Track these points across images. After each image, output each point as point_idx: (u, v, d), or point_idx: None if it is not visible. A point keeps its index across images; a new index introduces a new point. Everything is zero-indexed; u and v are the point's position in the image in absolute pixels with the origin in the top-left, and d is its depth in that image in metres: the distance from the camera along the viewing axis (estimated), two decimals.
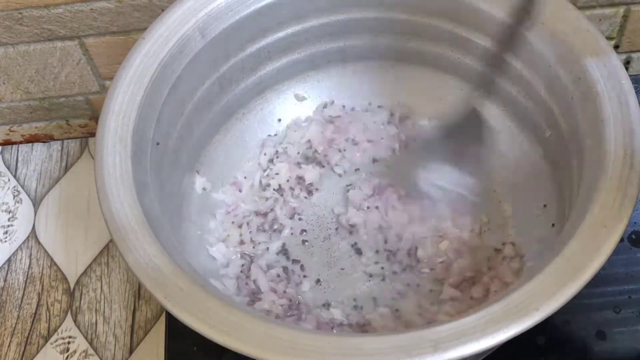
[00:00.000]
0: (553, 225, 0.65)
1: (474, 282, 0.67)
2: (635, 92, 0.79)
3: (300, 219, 0.73)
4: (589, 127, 0.59)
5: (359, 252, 0.71)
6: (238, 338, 0.50)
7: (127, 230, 0.55)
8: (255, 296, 0.68)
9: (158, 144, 0.64)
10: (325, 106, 0.79)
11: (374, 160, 0.76)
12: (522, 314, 0.49)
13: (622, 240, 0.71)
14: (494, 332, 0.48)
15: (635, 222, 0.74)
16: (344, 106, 0.79)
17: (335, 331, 0.66)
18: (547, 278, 0.50)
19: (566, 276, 0.50)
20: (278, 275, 0.70)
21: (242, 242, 0.72)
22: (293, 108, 0.79)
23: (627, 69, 0.87)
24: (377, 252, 0.71)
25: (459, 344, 0.48)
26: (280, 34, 0.72)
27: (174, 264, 0.53)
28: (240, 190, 0.75)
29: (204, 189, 0.73)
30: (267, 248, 0.71)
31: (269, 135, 0.78)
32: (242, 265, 0.71)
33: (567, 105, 0.62)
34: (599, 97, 0.58)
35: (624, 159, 0.55)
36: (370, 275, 0.70)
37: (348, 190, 0.74)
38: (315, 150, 0.76)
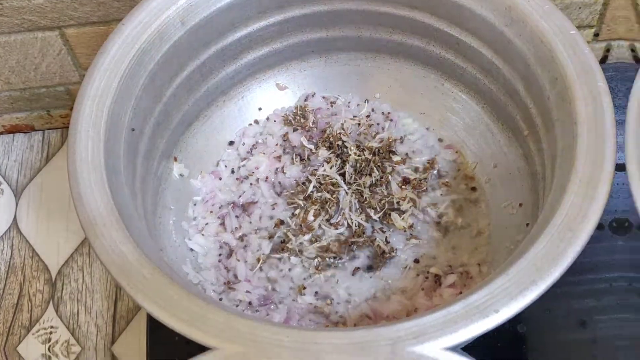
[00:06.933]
0: (527, 224, 0.65)
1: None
2: (614, 80, 0.79)
3: (277, 211, 0.72)
4: (563, 128, 0.58)
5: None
6: (198, 328, 0.50)
7: (95, 216, 0.55)
8: (230, 285, 0.68)
9: (133, 129, 0.63)
10: (306, 98, 0.78)
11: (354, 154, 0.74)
12: (481, 315, 0.49)
13: (602, 227, 0.71)
14: (452, 332, 0.48)
15: (615, 210, 0.73)
16: (325, 98, 0.78)
17: (305, 319, 0.66)
18: (509, 280, 0.50)
19: (529, 279, 0.50)
20: (257, 266, 0.69)
21: (219, 232, 0.72)
22: (274, 97, 0.79)
23: (606, 57, 0.86)
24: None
25: (416, 343, 0.48)
26: (262, 23, 0.72)
27: (140, 251, 0.53)
28: (219, 179, 0.75)
29: (181, 175, 0.73)
30: (247, 238, 0.71)
31: (250, 124, 0.78)
32: (220, 255, 0.71)
33: (544, 105, 0.62)
34: (575, 99, 0.58)
35: (594, 163, 0.54)
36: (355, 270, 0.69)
37: None
38: (294, 146, 0.75)
